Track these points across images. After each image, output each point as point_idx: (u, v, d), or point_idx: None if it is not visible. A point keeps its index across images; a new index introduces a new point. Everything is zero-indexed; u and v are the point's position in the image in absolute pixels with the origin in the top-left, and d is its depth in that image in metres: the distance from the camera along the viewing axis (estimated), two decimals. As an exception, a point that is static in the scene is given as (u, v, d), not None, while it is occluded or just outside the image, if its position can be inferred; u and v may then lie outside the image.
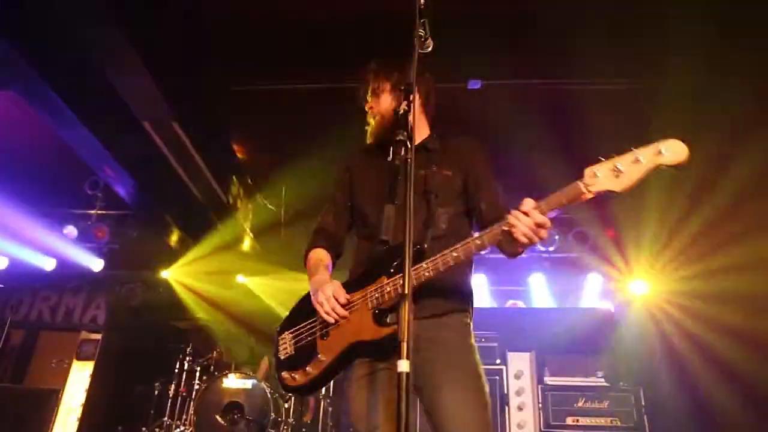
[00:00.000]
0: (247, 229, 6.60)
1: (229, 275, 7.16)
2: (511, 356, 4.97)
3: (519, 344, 5.07)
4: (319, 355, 1.90)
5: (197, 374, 5.48)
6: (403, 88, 1.68)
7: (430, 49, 1.78)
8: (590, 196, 1.61)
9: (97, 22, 4.00)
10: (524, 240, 1.65)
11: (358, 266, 2.02)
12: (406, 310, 1.26)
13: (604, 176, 1.59)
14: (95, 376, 5.56)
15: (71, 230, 7.10)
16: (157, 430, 5.27)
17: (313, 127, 5.20)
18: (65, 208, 6.94)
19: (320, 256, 2.12)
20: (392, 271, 1.81)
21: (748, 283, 4.88)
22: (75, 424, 5.29)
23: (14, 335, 5.78)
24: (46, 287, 6.72)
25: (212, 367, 5.51)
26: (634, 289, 6.36)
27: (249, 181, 6.25)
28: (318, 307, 1.87)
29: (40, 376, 5.58)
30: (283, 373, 2.01)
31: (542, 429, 4.70)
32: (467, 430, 1.70)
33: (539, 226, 1.64)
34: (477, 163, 2.10)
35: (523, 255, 4.07)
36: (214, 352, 5.58)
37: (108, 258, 7.11)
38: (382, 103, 2.13)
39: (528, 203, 1.65)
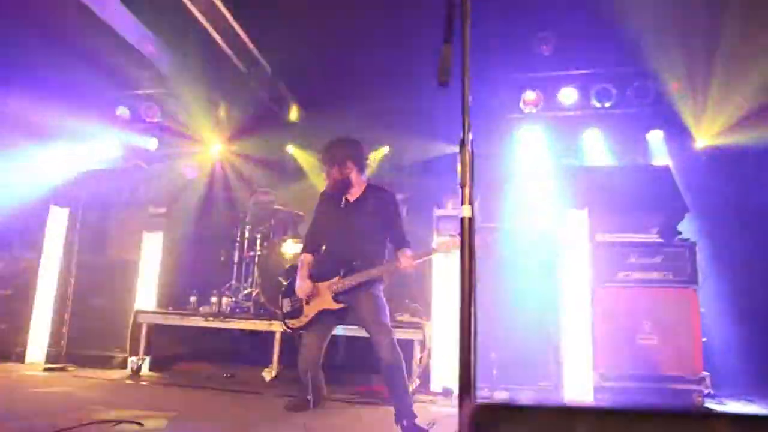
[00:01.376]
0: (293, 98, 6.54)
1: (278, 146, 7.23)
2: (569, 213, 4.95)
3: (572, 202, 5.03)
4: (303, 313, 3.68)
5: (257, 241, 5.79)
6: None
7: None
8: (435, 253, 3.66)
9: None
10: (407, 269, 3.55)
11: (320, 265, 3.73)
12: (467, 156, 1.23)
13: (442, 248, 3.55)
14: (165, 248, 5.95)
15: (124, 112, 7.25)
16: (226, 292, 5.71)
17: None
18: (115, 91, 7.01)
19: (308, 260, 3.78)
20: (342, 273, 3.54)
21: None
22: (155, 291, 5.77)
23: (88, 215, 6.14)
24: (109, 169, 7.01)
25: (271, 234, 5.79)
26: (693, 144, 6.08)
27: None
28: (300, 292, 3.66)
29: (117, 251, 5.99)
30: (286, 319, 3.81)
31: (593, 284, 4.81)
32: (373, 320, 3.50)
33: (411, 265, 3.51)
34: (394, 212, 3.72)
35: (578, 112, 5.14)
36: (272, 220, 5.82)
37: (161, 136, 7.30)
38: (333, 175, 3.72)
39: (407, 252, 3.52)
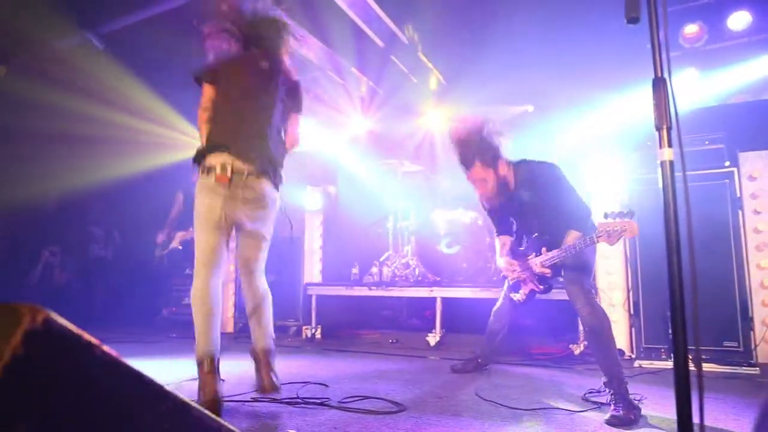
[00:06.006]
0: (433, 68, 6.54)
1: (418, 114, 7.29)
2: (744, 156, 4.40)
3: (753, 143, 4.46)
4: (521, 290, 3.66)
5: (411, 212, 5.95)
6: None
7: None
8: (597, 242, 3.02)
9: None
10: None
11: (519, 241, 3.71)
12: (663, 95, 1.16)
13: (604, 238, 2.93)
14: (325, 224, 6.37)
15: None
16: (387, 262, 5.97)
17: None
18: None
19: (503, 241, 3.74)
20: (538, 252, 3.38)
21: None
22: (319, 264, 6.22)
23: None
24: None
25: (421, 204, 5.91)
26: None
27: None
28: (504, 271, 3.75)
29: (282, 230, 6.51)
30: (511, 293, 3.75)
31: (786, 232, 4.24)
32: (570, 283, 3.22)
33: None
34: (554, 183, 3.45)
35: (753, 38, 5.08)
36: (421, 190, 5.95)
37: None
38: (488, 185, 3.47)
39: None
